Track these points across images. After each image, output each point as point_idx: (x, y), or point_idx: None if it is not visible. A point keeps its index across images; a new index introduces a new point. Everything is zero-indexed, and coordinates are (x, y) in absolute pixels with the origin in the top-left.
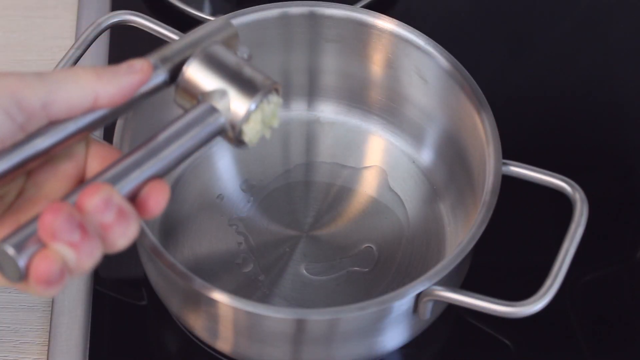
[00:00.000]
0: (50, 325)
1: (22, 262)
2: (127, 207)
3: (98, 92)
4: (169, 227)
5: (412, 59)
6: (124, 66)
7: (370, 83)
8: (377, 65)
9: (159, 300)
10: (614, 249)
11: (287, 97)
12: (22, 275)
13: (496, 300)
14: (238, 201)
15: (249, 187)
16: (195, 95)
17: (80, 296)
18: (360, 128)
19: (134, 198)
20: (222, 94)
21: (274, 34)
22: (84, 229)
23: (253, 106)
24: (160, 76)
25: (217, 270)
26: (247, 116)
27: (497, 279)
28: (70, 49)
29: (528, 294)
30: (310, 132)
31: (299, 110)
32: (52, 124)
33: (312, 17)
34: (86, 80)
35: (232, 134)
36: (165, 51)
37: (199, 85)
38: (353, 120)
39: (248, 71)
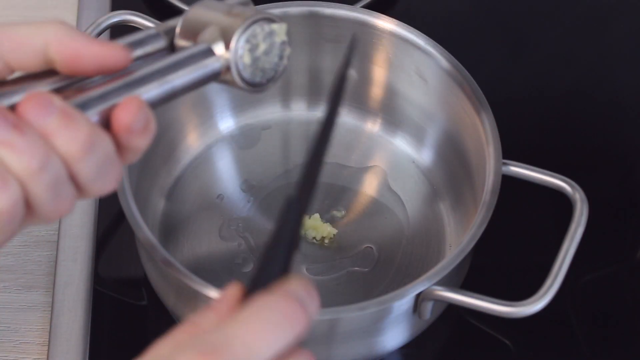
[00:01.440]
0: (50, 325)
1: None
2: (71, 109)
3: (48, 38)
4: (169, 227)
5: (412, 59)
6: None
7: (370, 83)
8: (377, 65)
9: (159, 300)
10: (614, 249)
11: (287, 97)
12: None
13: (496, 300)
14: (238, 201)
15: (249, 187)
16: (194, 40)
17: (80, 296)
18: (360, 128)
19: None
20: (214, 34)
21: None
22: (19, 127)
23: (242, 37)
24: (160, 42)
25: (217, 270)
26: (237, 48)
27: (497, 279)
28: None
29: (528, 294)
30: (310, 132)
31: (299, 110)
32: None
33: (312, 17)
34: (42, 24)
35: (233, 74)
36: (166, 24)
37: (192, 33)
38: (353, 120)
39: (238, 8)
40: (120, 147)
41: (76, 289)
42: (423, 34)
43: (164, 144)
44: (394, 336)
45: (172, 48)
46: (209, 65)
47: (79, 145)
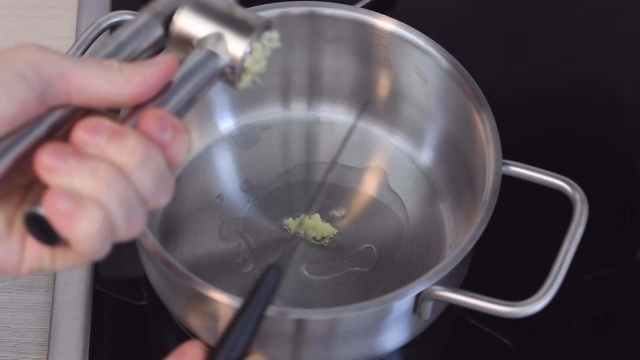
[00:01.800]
0: (50, 325)
1: (41, 210)
2: (119, 126)
3: (122, 83)
4: (169, 227)
5: (412, 59)
6: (147, 62)
7: (370, 83)
8: (377, 65)
9: (159, 300)
10: (614, 249)
11: (287, 97)
12: (53, 235)
13: (496, 300)
14: (238, 201)
15: (249, 187)
16: (189, 43)
17: (80, 296)
18: (360, 128)
19: None
20: (218, 37)
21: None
22: (77, 153)
23: (250, 46)
24: (156, 31)
25: (217, 270)
26: (245, 55)
27: (497, 279)
28: (70, 49)
29: (528, 294)
30: (310, 132)
31: (299, 110)
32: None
33: (312, 17)
34: (114, 67)
35: (233, 76)
36: (156, 5)
37: (192, 32)
38: (353, 120)
39: (240, 12)
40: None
41: (76, 289)
42: (423, 34)
43: None
44: (394, 336)
45: (166, 33)
46: (213, 68)
47: (131, 154)
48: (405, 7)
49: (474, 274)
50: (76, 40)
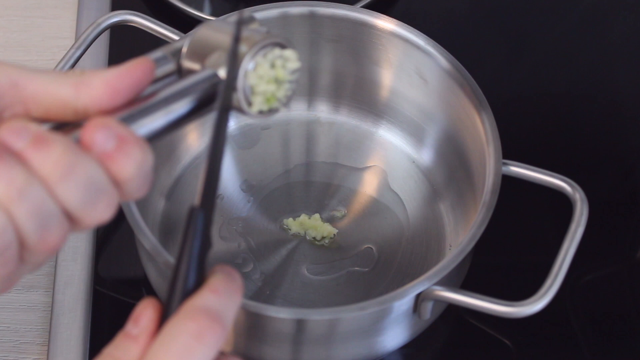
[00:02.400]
0: (50, 325)
1: None
2: (46, 133)
3: (79, 83)
4: (169, 227)
5: (412, 59)
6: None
7: (370, 83)
8: (377, 65)
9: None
10: (614, 249)
11: None
12: None
13: (496, 300)
14: (238, 201)
15: (249, 187)
16: (197, 70)
17: (80, 296)
18: (360, 128)
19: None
20: (220, 57)
21: (274, 34)
22: (1, 156)
23: (250, 61)
24: (167, 66)
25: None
26: (246, 72)
27: (497, 279)
28: (70, 49)
29: (528, 294)
30: (310, 132)
31: (299, 110)
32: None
33: (312, 17)
34: (69, 72)
35: (240, 100)
36: (175, 44)
37: (199, 55)
38: (353, 120)
39: (247, 32)
40: (110, 175)
41: (76, 289)
42: (423, 34)
43: (164, 144)
44: (394, 336)
45: (179, 70)
46: (213, 89)
47: (53, 164)
48: (405, 7)
49: (474, 274)
50: (76, 40)
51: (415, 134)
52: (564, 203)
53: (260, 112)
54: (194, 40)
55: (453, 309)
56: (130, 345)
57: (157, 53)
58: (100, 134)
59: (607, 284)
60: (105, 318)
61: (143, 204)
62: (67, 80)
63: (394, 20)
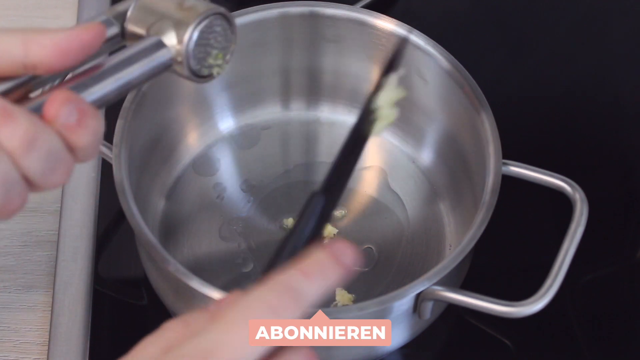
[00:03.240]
0: (50, 325)
1: None
2: (10, 106)
3: (28, 40)
4: (169, 227)
5: (412, 59)
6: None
7: (370, 83)
8: (377, 65)
9: (159, 300)
10: (614, 249)
11: (287, 97)
12: None
13: (496, 300)
14: (238, 201)
15: (249, 187)
16: (142, 34)
17: (80, 296)
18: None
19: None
20: (166, 26)
21: (274, 34)
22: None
23: (195, 33)
24: (112, 30)
25: (217, 270)
26: (192, 43)
27: (497, 279)
28: None
29: (528, 294)
30: (310, 132)
31: (299, 110)
32: None
33: (312, 17)
34: (18, 30)
35: (185, 68)
36: (118, 7)
37: (143, 23)
38: (353, 120)
39: (190, 1)
40: (67, 144)
41: (76, 289)
42: (423, 34)
43: (164, 144)
44: (394, 336)
45: (123, 33)
46: (160, 58)
47: (20, 139)
48: (405, 7)
49: (474, 274)
50: None
51: (415, 134)
52: (564, 203)
53: (197, 76)
54: (139, 6)
55: (453, 309)
56: (205, 314)
57: (102, 17)
58: (64, 109)
59: (607, 284)
60: (105, 318)
61: (143, 204)
62: (16, 38)
63: (394, 20)
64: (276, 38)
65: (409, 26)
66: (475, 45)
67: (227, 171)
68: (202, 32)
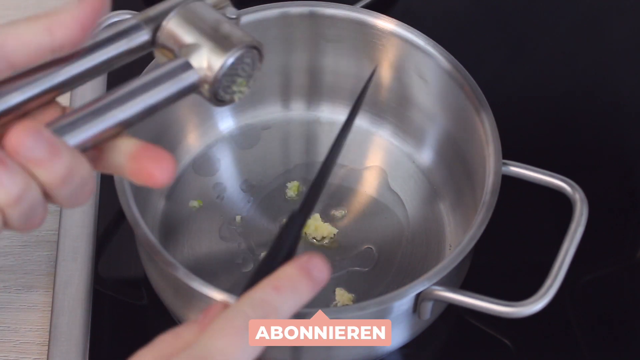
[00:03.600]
0: (50, 325)
1: None
2: (56, 141)
3: (51, 24)
4: (169, 227)
5: (412, 59)
6: (75, 2)
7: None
8: (377, 65)
9: (159, 300)
10: (614, 249)
11: (287, 97)
12: None
13: (496, 301)
14: (238, 201)
15: (249, 187)
16: (172, 52)
17: (80, 296)
18: (360, 128)
19: (95, 146)
20: (198, 48)
21: (274, 34)
22: (3, 161)
23: (228, 63)
24: (144, 36)
25: (217, 270)
26: (222, 72)
27: (497, 279)
28: None
29: (528, 294)
30: (310, 132)
31: (299, 110)
32: (17, 77)
33: (312, 17)
34: (37, 16)
35: (208, 92)
36: (149, 12)
37: (175, 40)
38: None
39: (226, 27)
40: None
41: (76, 289)
42: (423, 34)
43: (164, 144)
44: (394, 336)
45: (153, 41)
46: (185, 80)
47: (60, 176)
48: (405, 7)
49: (474, 274)
50: None
51: (415, 134)
52: (564, 203)
53: (219, 101)
54: (175, 20)
55: (453, 309)
56: (193, 326)
57: (132, 21)
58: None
59: (607, 284)
60: (105, 318)
61: (143, 204)
62: (40, 26)
63: (394, 20)
64: (276, 38)
65: (408, 25)
66: (475, 45)
67: (227, 171)
68: (233, 64)
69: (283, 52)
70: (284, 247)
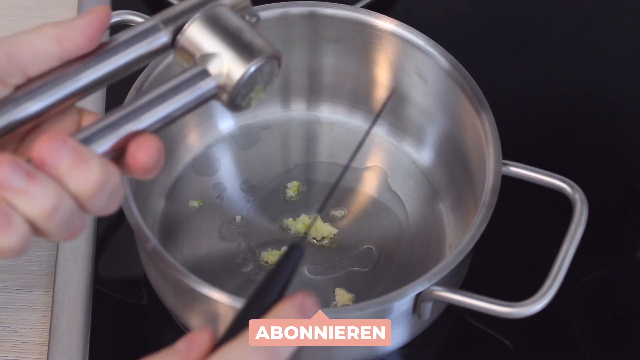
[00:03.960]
0: (50, 325)
1: None
2: (83, 150)
3: (60, 35)
4: (169, 227)
5: (412, 59)
6: (83, 13)
7: (370, 83)
8: (377, 65)
9: (158, 300)
10: (614, 249)
11: (287, 97)
12: None
13: (496, 301)
14: (238, 201)
15: (249, 187)
16: (192, 57)
17: (80, 296)
18: (360, 128)
19: (120, 155)
20: (218, 57)
21: (274, 34)
22: (32, 175)
23: (248, 73)
24: (163, 38)
25: (217, 270)
26: (242, 82)
27: (497, 279)
28: None
29: (528, 294)
30: (310, 132)
31: (299, 110)
32: (36, 84)
33: (312, 17)
34: (46, 27)
35: (227, 99)
36: (168, 12)
37: (196, 46)
38: (353, 120)
39: (248, 35)
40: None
41: (76, 289)
42: (423, 34)
43: (164, 144)
44: (394, 336)
45: (172, 43)
46: (204, 87)
47: (91, 185)
48: (405, 7)
49: (474, 274)
50: None
51: (415, 134)
52: (564, 203)
53: (235, 107)
54: (197, 24)
55: (453, 309)
56: (174, 357)
57: (150, 22)
58: (150, 156)
59: (607, 284)
60: (105, 318)
61: (143, 204)
62: (50, 37)
63: (394, 20)
64: (276, 38)
65: (408, 26)
66: (475, 45)
67: (227, 171)
68: (253, 74)
69: (283, 52)
70: (282, 279)
